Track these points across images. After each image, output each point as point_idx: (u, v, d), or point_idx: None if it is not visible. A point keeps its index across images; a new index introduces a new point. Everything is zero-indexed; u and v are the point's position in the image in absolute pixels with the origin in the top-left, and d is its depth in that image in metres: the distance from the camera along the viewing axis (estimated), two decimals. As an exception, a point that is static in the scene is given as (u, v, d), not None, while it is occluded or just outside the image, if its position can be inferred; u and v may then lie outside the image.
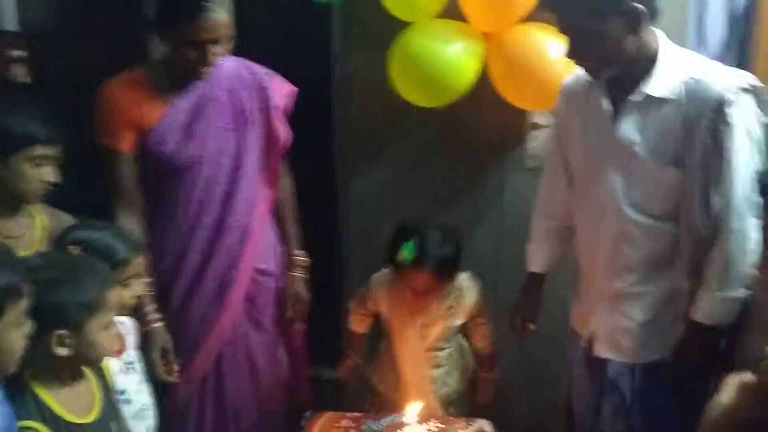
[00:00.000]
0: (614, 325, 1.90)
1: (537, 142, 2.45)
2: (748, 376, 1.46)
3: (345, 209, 2.68)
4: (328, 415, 2.07)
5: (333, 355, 2.84)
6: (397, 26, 2.25)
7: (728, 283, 1.72)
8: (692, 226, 1.76)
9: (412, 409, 1.94)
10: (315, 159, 2.56)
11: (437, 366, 2.24)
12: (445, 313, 2.18)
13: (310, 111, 2.22)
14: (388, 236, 2.51)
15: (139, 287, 1.76)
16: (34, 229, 1.79)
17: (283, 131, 2.13)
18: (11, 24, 2.93)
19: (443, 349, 2.24)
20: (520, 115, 2.40)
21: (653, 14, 1.71)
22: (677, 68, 1.75)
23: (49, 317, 1.32)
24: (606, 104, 1.82)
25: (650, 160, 1.77)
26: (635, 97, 1.76)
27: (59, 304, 1.36)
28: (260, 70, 2.11)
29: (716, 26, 2.49)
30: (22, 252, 1.65)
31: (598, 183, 1.86)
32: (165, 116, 1.99)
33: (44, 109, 1.76)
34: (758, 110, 1.72)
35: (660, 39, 1.77)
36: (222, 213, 2.06)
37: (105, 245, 1.65)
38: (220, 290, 2.09)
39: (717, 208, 1.72)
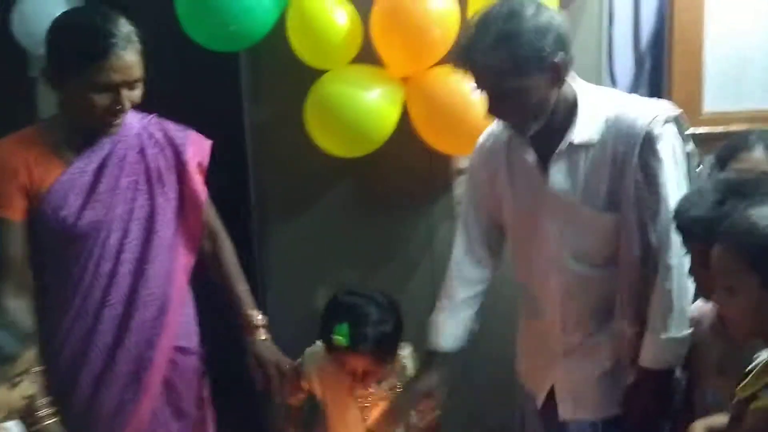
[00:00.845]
0: (575, 382, 1.83)
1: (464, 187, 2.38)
2: (717, 420, 1.41)
3: (264, 271, 2.54)
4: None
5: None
6: (310, 74, 2.18)
7: (672, 323, 1.69)
8: (632, 269, 1.73)
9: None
10: (229, 217, 2.42)
11: None
12: (388, 394, 2.01)
13: (222, 167, 2.07)
14: (311, 299, 2.44)
15: (29, 386, 1.56)
16: None
17: (202, 191, 1.97)
18: None
19: None
20: (446, 161, 2.35)
21: (570, 63, 1.68)
22: (598, 110, 1.72)
23: None
24: (532, 157, 1.77)
25: (585, 208, 1.74)
26: (561, 147, 1.72)
27: None
28: (171, 126, 1.97)
29: (625, 60, 2.58)
30: None
31: (537, 239, 1.81)
32: (64, 177, 1.80)
33: None
34: (680, 139, 1.72)
35: (576, 84, 1.75)
36: (134, 286, 1.87)
37: None
38: (136, 375, 1.88)
39: (654, 246, 1.70)
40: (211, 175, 2.02)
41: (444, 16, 2.10)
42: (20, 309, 1.78)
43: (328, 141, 2.19)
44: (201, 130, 2.03)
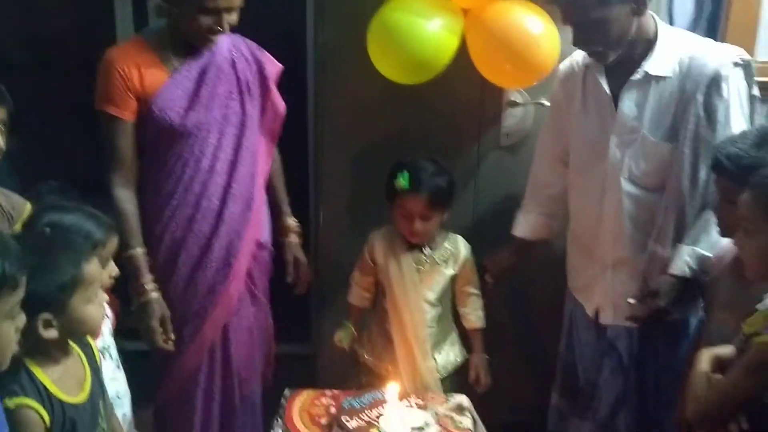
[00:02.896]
0: (618, 292, 2.02)
1: (513, 120, 2.47)
2: (721, 350, 1.53)
3: (318, 184, 2.67)
4: (307, 393, 2.06)
5: (302, 332, 2.86)
6: (373, 1, 2.23)
7: (704, 240, 1.84)
8: (677, 196, 1.88)
9: (393, 386, 1.94)
10: (289, 133, 2.54)
11: (429, 326, 2.24)
12: (439, 260, 2.23)
13: (285, 85, 2.21)
14: (361, 210, 2.55)
15: (114, 267, 1.73)
16: None
17: (281, 104, 2.17)
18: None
19: (434, 306, 2.24)
20: (497, 92, 2.42)
21: None
22: (674, 47, 1.86)
23: (31, 303, 1.29)
24: (606, 85, 1.93)
25: (649, 136, 1.89)
26: (636, 76, 1.87)
27: (38, 290, 1.31)
28: (253, 44, 2.15)
29: (685, 3, 2.53)
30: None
31: (601, 160, 1.97)
32: (170, 83, 1.99)
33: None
34: (747, 83, 1.84)
35: (657, 21, 1.88)
36: (228, 182, 2.07)
37: (78, 228, 1.62)
38: (227, 261, 2.10)
39: (703, 180, 1.84)
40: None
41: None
42: (126, 197, 2.00)
43: (388, 66, 2.25)
44: (268, 47, 2.18)
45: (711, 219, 1.82)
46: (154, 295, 2.02)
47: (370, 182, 2.51)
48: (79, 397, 1.43)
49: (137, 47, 2.01)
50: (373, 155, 2.54)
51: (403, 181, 2.12)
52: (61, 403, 1.38)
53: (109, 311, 1.85)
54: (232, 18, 1.96)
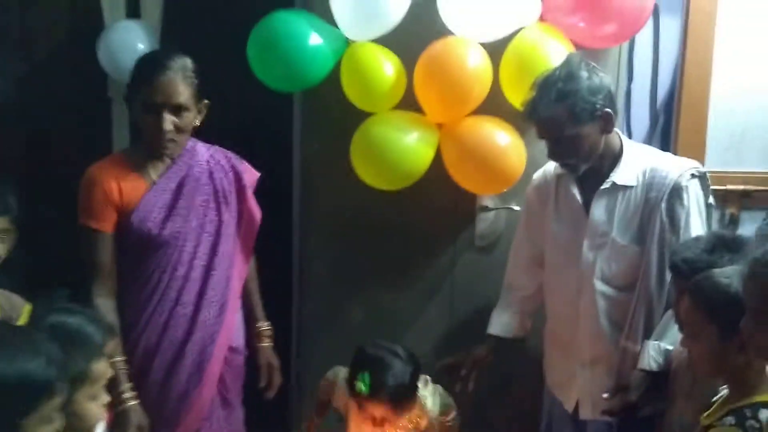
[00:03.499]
0: (597, 387, 2.10)
1: (485, 223, 2.60)
2: None
3: (301, 286, 2.74)
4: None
5: (284, 425, 2.86)
6: (358, 116, 2.39)
7: (669, 335, 1.95)
8: (646, 293, 2.02)
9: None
10: (275, 238, 2.64)
11: None
12: (407, 427, 2.16)
13: (271, 191, 2.33)
14: (341, 313, 2.59)
15: (109, 369, 1.72)
16: None
17: (257, 210, 2.24)
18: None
19: None
20: (471, 198, 2.54)
21: (616, 116, 2.02)
22: (638, 160, 2.06)
23: None
24: (578, 194, 2.10)
25: (618, 239, 2.04)
26: (605, 186, 2.04)
27: None
28: (231, 154, 2.24)
29: (642, 115, 2.77)
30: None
31: (575, 262, 2.11)
32: (149, 195, 2.05)
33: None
34: (703, 192, 2.03)
35: (622, 137, 2.07)
36: (202, 288, 2.11)
37: (80, 330, 1.62)
38: (199, 366, 2.11)
39: (669, 280, 1.98)
40: (259, 198, 2.27)
41: (478, 72, 2.29)
42: (107, 308, 2.02)
43: (369, 175, 2.39)
44: (256, 161, 2.29)
45: (673, 315, 1.92)
46: (132, 403, 2.01)
47: (353, 283, 2.64)
48: None
49: (116, 162, 2.08)
50: (355, 257, 2.63)
51: (363, 385, 2.00)
52: None
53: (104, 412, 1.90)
54: (178, 120, 1.97)
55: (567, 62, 2.01)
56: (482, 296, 2.56)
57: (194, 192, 2.11)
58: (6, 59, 2.98)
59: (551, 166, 2.21)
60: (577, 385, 2.17)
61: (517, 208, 2.51)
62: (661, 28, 2.68)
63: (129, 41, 2.63)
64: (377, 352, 2.08)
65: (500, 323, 2.35)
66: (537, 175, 2.29)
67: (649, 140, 2.77)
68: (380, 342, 2.15)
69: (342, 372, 2.23)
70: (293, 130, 2.71)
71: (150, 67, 2.00)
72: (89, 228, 2.04)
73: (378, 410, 2.05)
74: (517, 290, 2.36)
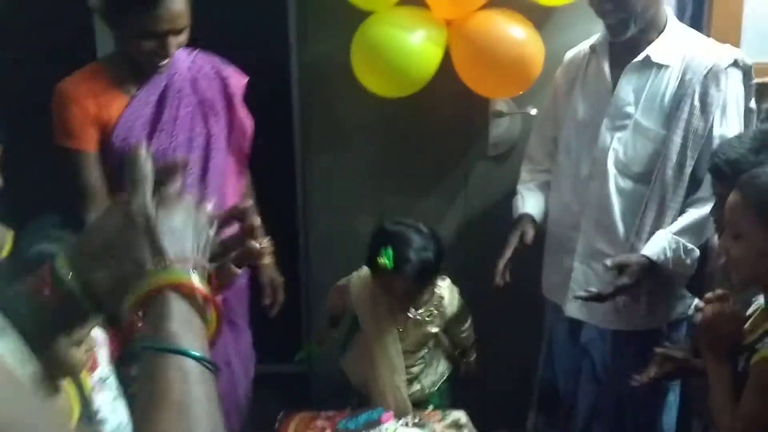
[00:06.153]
0: (592, 285, 1.96)
1: (499, 130, 2.46)
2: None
3: (306, 202, 2.65)
4: (301, 416, 2.03)
5: (295, 351, 2.82)
6: (357, 15, 2.22)
7: (686, 231, 1.86)
8: (661, 187, 1.89)
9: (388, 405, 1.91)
10: (274, 150, 2.52)
11: (413, 366, 2.18)
12: (423, 320, 2.13)
13: (268, 101, 2.19)
14: (350, 228, 2.53)
15: None
16: None
17: (248, 120, 2.09)
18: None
19: (418, 352, 2.18)
20: (483, 103, 2.41)
21: None
22: (679, 40, 1.90)
23: None
24: (607, 68, 1.95)
25: (641, 120, 1.91)
26: (638, 59, 1.89)
27: None
28: (215, 59, 2.08)
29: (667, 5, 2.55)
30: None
31: (590, 145, 1.98)
32: (129, 110, 1.91)
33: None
34: (744, 87, 1.87)
35: (670, 14, 1.92)
36: None
37: None
38: None
39: (688, 173, 1.87)
40: (255, 109, 2.12)
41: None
42: None
43: (372, 81, 2.24)
44: (249, 66, 2.12)
45: (703, 217, 1.82)
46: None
47: (359, 199, 2.55)
48: None
49: (92, 75, 1.92)
50: (361, 172, 2.53)
51: (386, 260, 1.95)
52: None
53: (106, 339, 1.81)
54: (180, 40, 1.86)
55: None
56: (496, 208, 2.47)
57: (178, 103, 1.97)
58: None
59: (586, 44, 2.08)
60: (574, 281, 2.05)
61: (534, 112, 2.36)
62: None
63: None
64: (398, 228, 2.05)
65: (523, 201, 2.19)
66: (569, 53, 2.16)
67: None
68: (399, 219, 2.10)
69: (354, 276, 2.17)
70: (288, 34, 2.54)
71: None
72: (69, 149, 1.90)
73: (402, 286, 2.00)
74: (536, 165, 2.25)
